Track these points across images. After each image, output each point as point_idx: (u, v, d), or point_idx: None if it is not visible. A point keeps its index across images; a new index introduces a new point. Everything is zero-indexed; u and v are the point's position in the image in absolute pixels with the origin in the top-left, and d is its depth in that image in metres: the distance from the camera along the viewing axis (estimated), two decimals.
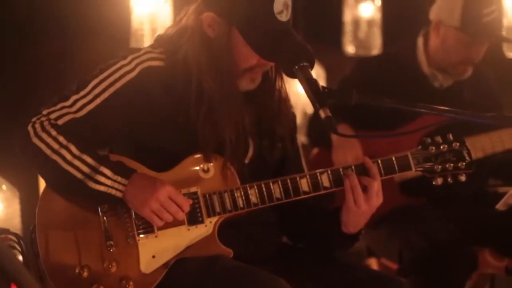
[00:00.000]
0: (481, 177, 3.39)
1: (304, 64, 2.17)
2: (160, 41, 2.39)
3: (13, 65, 4.14)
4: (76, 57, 4.02)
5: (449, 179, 2.43)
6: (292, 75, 2.19)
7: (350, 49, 4.61)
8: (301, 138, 4.17)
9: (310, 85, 2.14)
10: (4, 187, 3.24)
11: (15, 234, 2.16)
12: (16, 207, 3.22)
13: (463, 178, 2.43)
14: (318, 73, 4.50)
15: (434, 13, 3.29)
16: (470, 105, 3.26)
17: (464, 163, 2.42)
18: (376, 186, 2.32)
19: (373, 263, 3.63)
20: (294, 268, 2.45)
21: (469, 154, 2.44)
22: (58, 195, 2.31)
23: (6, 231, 2.15)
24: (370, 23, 4.61)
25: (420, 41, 3.35)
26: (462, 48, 3.21)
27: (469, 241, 3.22)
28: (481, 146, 3.18)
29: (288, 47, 2.21)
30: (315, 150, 3.56)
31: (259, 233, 2.44)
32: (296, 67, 2.17)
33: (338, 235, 2.40)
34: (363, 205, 2.32)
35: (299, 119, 4.66)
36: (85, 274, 2.26)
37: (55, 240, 2.29)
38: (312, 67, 2.19)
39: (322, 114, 2.09)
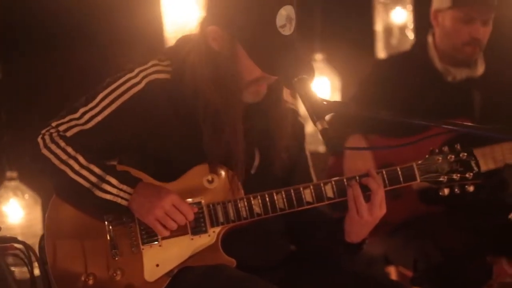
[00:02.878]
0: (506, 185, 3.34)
1: (303, 76, 2.19)
2: (168, 54, 2.44)
3: (46, 76, 4.22)
4: (110, 66, 4.09)
5: (456, 190, 2.41)
6: (292, 88, 2.21)
7: (382, 55, 4.59)
8: (319, 148, 4.19)
9: (307, 98, 2.16)
10: (26, 196, 3.32)
11: (23, 243, 2.22)
12: (37, 214, 3.30)
13: (471, 188, 2.41)
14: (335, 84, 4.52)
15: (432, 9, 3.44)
16: (486, 101, 3.27)
17: (471, 173, 2.40)
18: (379, 196, 2.32)
19: (392, 271, 3.62)
20: (302, 276, 2.47)
21: (477, 164, 2.41)
22: (67, 205, 2.37)
23: (13, 239, 2.22)
24: (402, 29, 4.58)
25: (429, 38, 3.46)
26: (461, 26, 3.31)
27: (484, 250, 3.18)
28: (492, 157, 3.15)
29: (288, 60, 2.23)
30: (331, 159, 3.57)
31: (267, 241, 2.47)
32: (296, 79, 2.19)
33: (342, 244, 2.41)
34: (365, 215, 2.32)
35: (311, 129, 4.69)
36: (91, 282, 2.32)
37: (62, 248, 2.35)
38: (311, 80, 2.21)
39: (318, 126, 2.11)
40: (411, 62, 3.47)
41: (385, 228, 3.33)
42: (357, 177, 2.36)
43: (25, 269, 2.26)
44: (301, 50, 2.29)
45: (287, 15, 2.25)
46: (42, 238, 2.40)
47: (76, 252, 2.34)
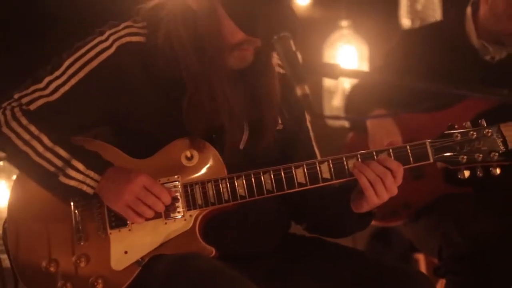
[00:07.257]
0: None
1: (284, 34, 1.92)
2: (144, 15, 2.18)
3: None
4: None
5: (478, 172, 2.11)
6: (271, 47, 1.94)
7: (406, 22, 4.26)
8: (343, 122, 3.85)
9: (288, 58, 1.90)
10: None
11: None
12: None
13: (496, 171, 2.09)
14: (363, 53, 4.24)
15: None
16: None
17: (496, 154, 2.09)
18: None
19: (420, 259, 3.34)
20: (295, 262, 2.22)
21: (504, 143, 2.10)
22: (31, 183, 2.15)
23: None
24: None
25: (468, 11, 3.06)
26: None
27: None
28: None
29: (268, 16, 1.97)
30: (350, 134, 3.27)
31: (257, 228, 2.21)
32: (275, 37, 1.93)
33: (353, 216, 2.17)
34: (385, 196, 2.06)
35: (338, 102, 4.40)
36: (52, 269, 2.09)
37: (24, 232, 2.14)
38: (294, 38, 1.94)
39: (298, 91, 1.84)
40: (443, 34, 3.09)
41: (406, 212, 3.04)
42: (359, 155, 2.09)
43: None
44: (286, 5, 2.02)
45: None
46: (5, 221, 2.17)
47: (39, 236, 2.12)
